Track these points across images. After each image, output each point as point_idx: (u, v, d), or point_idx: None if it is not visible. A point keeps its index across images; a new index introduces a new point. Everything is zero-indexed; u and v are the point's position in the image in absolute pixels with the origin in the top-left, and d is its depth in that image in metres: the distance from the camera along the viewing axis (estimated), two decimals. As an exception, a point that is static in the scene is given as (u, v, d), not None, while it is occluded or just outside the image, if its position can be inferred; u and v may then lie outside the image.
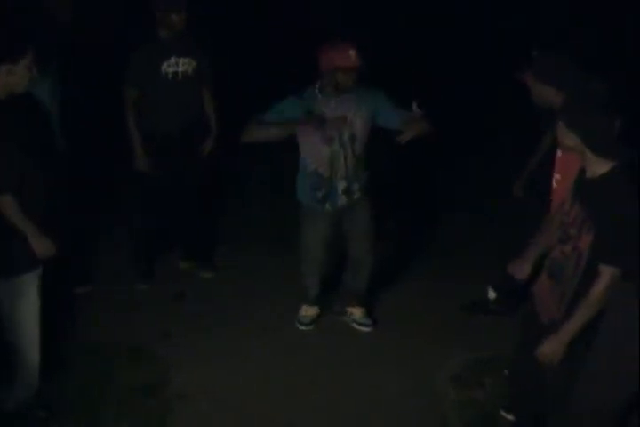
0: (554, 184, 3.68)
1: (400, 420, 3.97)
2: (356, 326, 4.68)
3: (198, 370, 4.23)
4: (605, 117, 2.97)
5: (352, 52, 4.06)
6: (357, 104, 4.21)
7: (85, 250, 5.08)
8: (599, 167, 3.03)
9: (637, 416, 3.33)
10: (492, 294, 4.81)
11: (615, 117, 2.97)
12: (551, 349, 3.14)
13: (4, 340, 3.55)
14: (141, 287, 4.99)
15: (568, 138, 3.04)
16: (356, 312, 4.70)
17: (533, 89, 3.79)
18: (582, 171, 3.15)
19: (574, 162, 3.21)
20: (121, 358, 4.25)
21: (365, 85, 4.22)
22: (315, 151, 4.28)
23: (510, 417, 3.84)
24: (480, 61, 7.81)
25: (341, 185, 4.34)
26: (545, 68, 3.74)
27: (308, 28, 7.73)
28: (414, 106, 4.05)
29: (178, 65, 4.65)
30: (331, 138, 4.23)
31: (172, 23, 4.53)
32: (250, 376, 4.23)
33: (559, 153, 3.59)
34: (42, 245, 3.43)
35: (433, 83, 7.26)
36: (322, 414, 4.00)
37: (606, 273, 2.98)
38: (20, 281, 3.46)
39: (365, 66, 4.08)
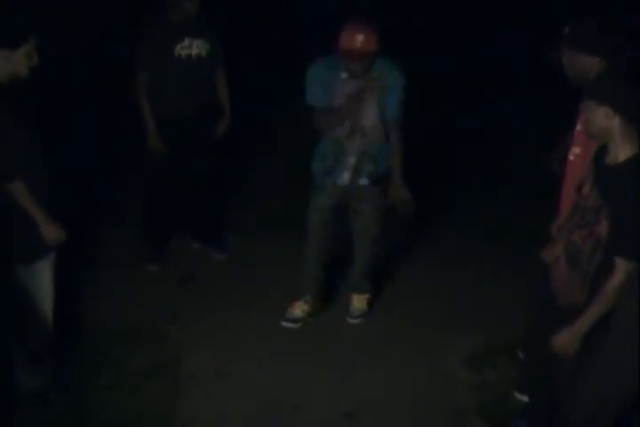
0: (570, 157, 3.57)
1: (413, 402, 3.99)
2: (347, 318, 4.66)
3: (209, 351, 4.27)
4: (638, 88, 2.91)
5: (360, 36, 3.88)
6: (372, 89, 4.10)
7: (97, 232, 5.13)
8: (622, 151, 2.98)
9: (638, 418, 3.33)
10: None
11: None
12: (565, 341, 3.12)
13: (19, 314, 3.62)
14: (152, 269, 5.01)
15: (598, 115, 2.96)
16: (352, 300, 4.67)
17: (570, 62, 3.44)
18: (601, 151, 3.10)
19: None
20: (132, 339, 4.28)
21: (388, 66, 4.09)
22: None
23: (524, 399, 3.85)
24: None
25: (351, 160, 4.25)
26: (585, 35, 3.39)
27: (308, 28, 7.76)
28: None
29: (191, 47, 4.64)
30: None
31: (186, 10, 4.52)
32: (261, 357, 4.25)
33: (579, 126, 3.51)
34: (52, 232, 3.47)
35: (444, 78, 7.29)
36: (333, 396, 4.02)
37: (622, 267, 2.95)
38: (35, 267, 3.54)
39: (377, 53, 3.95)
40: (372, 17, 4.05)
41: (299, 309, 4.60)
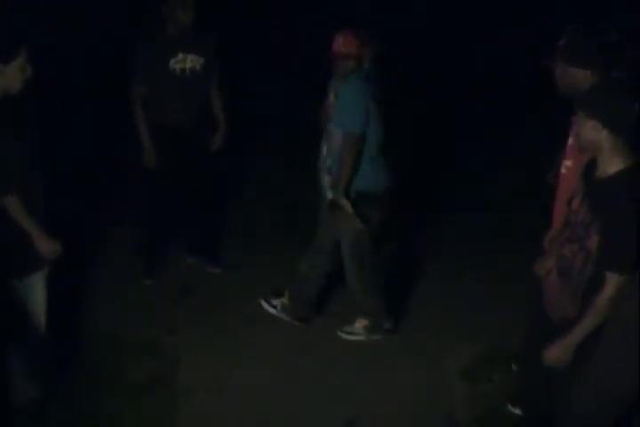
0: (562, 170, 3.59)
1: (408, 414, 3.98)
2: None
3: (204, 364, 4.25)
4: (627, 101, 2.92)
5: (339, 38, 4.08)
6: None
7: (90, 246, 5.11)
8: (611, 165, 2.98)
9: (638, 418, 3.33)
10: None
11: (636, 102, 2.91)
12: (557, 354, 3.13)
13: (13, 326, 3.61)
14: (147, 283, 5.00)
15: (587, 128, 2.96)
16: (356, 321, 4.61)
17: (563, 74, 3.44)
18: (591, 164, 3.11)
19: None
20: (129, 352, 4.27)
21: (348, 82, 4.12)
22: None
23: (517, 412, 3.85)
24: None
25: (325, 179, 4.31)
26: (578, 48, 3.39)
27: (308, 28, 7.75)
28: None
29: (185, 61, 4.67)
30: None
31: (179, 19, 4.54)
32: (257, 370, 4.24)
33: (571, 139, 3.52)
34: (47, 246, 3.46)
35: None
36: (330, 408, 4.01)
37: (612, 281, 2.96)
38: (28, 280, 3.53)
39: (356, 56, 4.06)
40: (371, 22, 4.12)
41: (280, 301, 4.63)
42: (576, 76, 3.38)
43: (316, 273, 4.55)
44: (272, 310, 4.65)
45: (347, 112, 4.09)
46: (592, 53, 3.34)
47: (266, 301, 4.68)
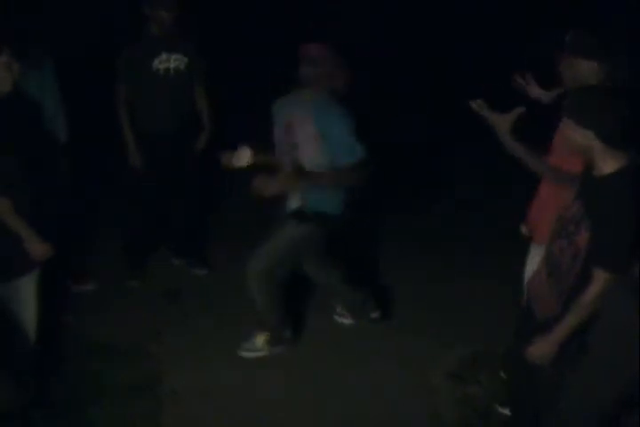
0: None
1: (396, 416, 4.00)
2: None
3: (191, 369, 4.26)
4: (618, 110, 2.93)
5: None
6: (306, 112, 3.98)
7: (77, 248, 5.10)
8: (606, 166, 3.00)
9: (638, 416, 3.33)
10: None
11: (626, 106, 2.93)
12: (540, 350, 3.15)
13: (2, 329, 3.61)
14: (133, 284, 5.00)
15: (577, 134, 2.99)
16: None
17: (570, 68, 3.47)
18: (587, 168, 3.13)
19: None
20: (113, 356, 4.27)
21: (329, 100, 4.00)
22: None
23: (506, 412, 3.86)
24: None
25: (292, 205, 4.20)
26: (587, 42, 3.45)
27: (308, 28, 7.77)
28: None
29: (169, 61, 4.69)
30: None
31: (162, 20, 4.56)
32: (244, 375, 4.25)
33: (556, 138, 3.53)
34: (38, 248, 3.46)
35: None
36: (317, 412, 4.03)
37: (600, 277, 2.98)
38: (18, 283, 3.53)
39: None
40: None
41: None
42: (581, 68, 3.42)
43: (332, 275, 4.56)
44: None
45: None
46: (598, 46, 3.38)
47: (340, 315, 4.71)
